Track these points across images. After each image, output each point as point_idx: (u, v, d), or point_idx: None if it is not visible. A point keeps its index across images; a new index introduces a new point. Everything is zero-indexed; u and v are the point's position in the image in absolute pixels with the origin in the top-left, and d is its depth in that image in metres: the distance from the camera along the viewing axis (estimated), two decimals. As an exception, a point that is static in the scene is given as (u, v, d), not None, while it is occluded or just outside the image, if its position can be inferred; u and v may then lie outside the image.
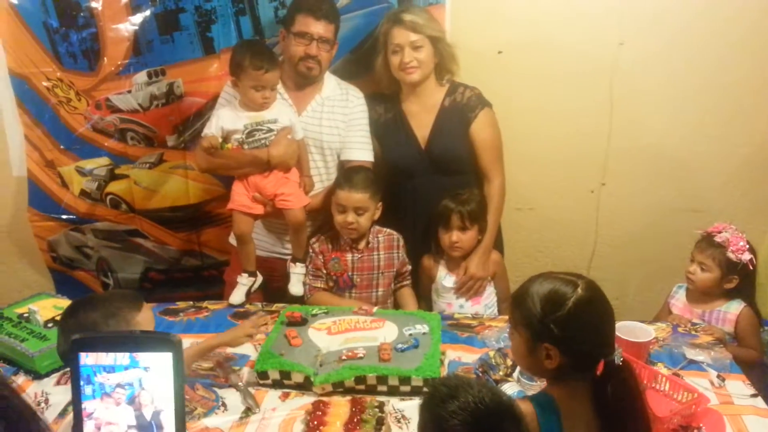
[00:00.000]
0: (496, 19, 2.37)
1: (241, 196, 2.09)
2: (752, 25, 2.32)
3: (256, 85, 1.98)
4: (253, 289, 2.16)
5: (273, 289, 2.28)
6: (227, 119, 2.04)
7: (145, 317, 1.40)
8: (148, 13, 2.34)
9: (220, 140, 2.02)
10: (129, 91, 2.45)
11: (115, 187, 2.61)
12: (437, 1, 2.30)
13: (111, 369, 1.05)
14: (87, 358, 1.05)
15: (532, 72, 2.42)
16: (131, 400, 1.06)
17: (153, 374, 1.05)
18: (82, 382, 1.06)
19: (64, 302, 1.92)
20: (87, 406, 1.06)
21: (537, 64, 2.41)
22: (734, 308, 2.00)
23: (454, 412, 0.97)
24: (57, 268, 2.79)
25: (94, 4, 2.34)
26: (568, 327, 1.17)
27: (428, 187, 2.21)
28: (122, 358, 1.05)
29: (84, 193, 2.63)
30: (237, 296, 2.13)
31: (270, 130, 2.04)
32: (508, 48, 2.40)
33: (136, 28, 2.36)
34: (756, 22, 2.31)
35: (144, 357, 1.05)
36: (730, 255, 1.95)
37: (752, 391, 1.61)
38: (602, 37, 2.37)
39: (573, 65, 2.41)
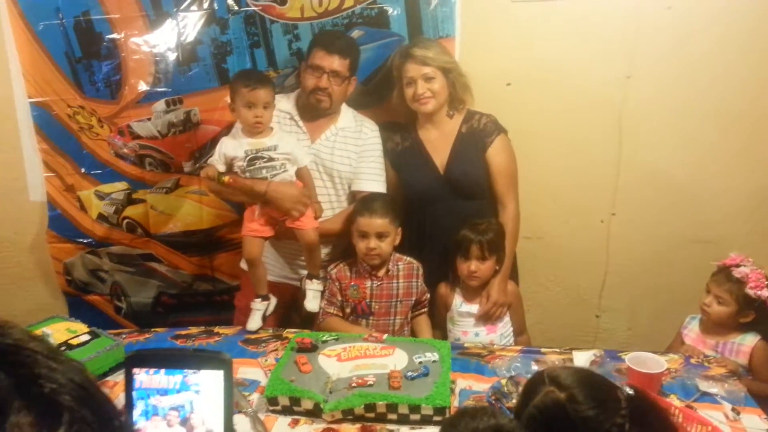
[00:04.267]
0: (505, 52, 2.41)
1: (250, 222, 2.12)
2: (762, 58, 2.34)
3: (247, 103, 2.01)
4: (268, 312, 2.17)
5: (279, 315, 2.29)
6: (229, 146, 2.07)
7: None
8: (167, 44, 2.42)
9: (218, 171, 2.05)
10: (149, 119, 2.51)
11: (131, 211, 2.66)
12: (447, 34, 2.35)
13: (164, 392, 1.06)
14: (141, 382, 1.06)
15: (541, 104, 2.45)
16: (184, 422, 1.07)
17: (204, 396, 1.06)
18: (134, 398, 1.07)
19: (77, 326, 1.95)
20: (139, 425, 1.08)
21: (546, 96, 2.45)
22: (749, 341, 1.97)
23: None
24: (71, 291, 2.83)
25: (116, 36, 2.42)
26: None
27: (446, 212, 2.23)
28: (174, 381, 1.07)
29: (101, 217, 2.68)
30: (254, 322, 2.13)
31: (271, 159, 2.06)
32: (517, 80, 2.44)
33: (157, 58, 2.43)
34: (766, 55, 2.34)
35: (195, 378, 1.06)
36: (749, 291, 1.92)
37: (769, 425, 1.59)
38: (610, 70, 2.39)
39: (582, 97, 2.43)
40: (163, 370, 1.06)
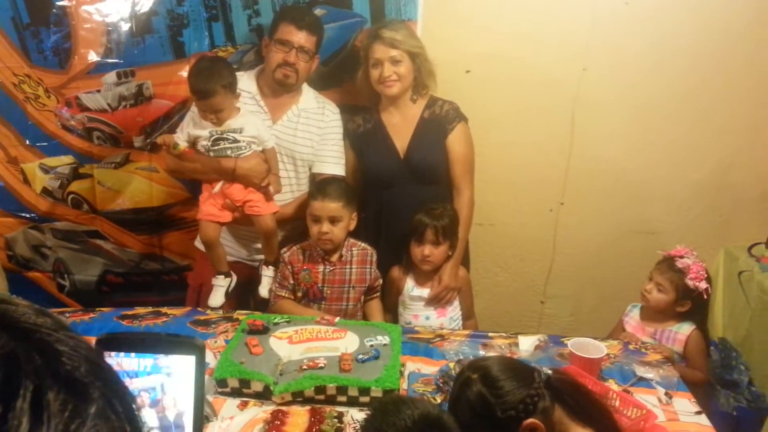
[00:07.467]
0: (466, 39, 2.43)
1: (208, 206, 2.09)
2: (715, 55, 2.42)
3: (200, 108, 2.00)
4: (230, 288, 2.16)
5: (236, 296, 2.26)
6: (194, 125, 2.04)
7: None
8: (120, 14, 2.32)
9: (177, 143, 2.01)
10: (98, 91, 2.42)
11: (77, 186, 2.56)
12: (409, 17, 2.34)
13: (134, 374, 1.05)
14: (112, 363, 1.05)
15: (497, 92, 2.49)
16: (154, 403, 1.06)
17: (175, 378, 1.06)
18: None
19: (19, 303, 1.88)
20: None
21: (502, 85, 2.48)
22: (685, 329, 2.07)
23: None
24: (12, 268, 2.72)
25: (66, 3, 2.31)
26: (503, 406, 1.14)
27: (405, 196, 2.25)
28: (145, 364, 1.06)
29: (46, 191, 2.58)
30: (217, 299, 2.12)
31: (235, 141, 2.04)
32: (476, 68, 2.46)
33: (109, 28, 2.34)
34: (717, 55, 2.42)
35: (167, 361, 1.05)
36: (688, 282, 2.01)
37: (697, 408, 1.67)
38: (567, 62, 2.45)
39: (537, 87, 2.48)
40: (133, 354, 1.05)
